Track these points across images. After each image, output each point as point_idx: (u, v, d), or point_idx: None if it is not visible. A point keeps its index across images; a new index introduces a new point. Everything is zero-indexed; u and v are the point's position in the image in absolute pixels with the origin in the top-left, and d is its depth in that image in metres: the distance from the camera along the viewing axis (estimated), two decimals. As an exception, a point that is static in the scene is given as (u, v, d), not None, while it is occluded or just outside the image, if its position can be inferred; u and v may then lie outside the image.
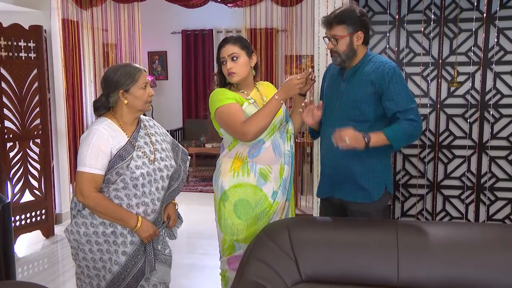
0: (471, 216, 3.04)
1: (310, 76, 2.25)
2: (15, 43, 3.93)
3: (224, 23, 7.49)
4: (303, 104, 2.22)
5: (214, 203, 2.28)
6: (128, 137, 2.01)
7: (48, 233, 4.22)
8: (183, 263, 3.61)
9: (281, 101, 2.12)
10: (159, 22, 7.58)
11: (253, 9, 5.34)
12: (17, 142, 3.99)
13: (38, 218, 4.15)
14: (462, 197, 3.04)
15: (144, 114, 2.20)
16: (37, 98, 4.10)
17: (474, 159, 2.99)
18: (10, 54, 3.91)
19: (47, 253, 3.90)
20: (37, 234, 4.16)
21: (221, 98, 2.17)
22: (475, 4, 2.87)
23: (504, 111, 2.92)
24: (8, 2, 4.07)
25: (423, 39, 2.97)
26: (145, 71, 2.06)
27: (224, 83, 2.27)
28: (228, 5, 5.43)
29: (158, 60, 8.07)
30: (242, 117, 2.12)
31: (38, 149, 4.16)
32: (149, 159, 2.01)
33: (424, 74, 2.99)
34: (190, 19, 7.56)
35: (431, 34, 2.96)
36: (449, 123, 3.01)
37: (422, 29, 2.96)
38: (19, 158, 4.00)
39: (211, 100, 2.21)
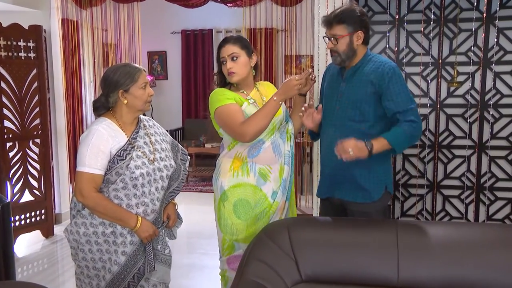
0: (470, 216, 3.04)
1: (310, 76, 2.24)
2: (14, 43, 3.92)
3: (223, 23, 7.49)
4: (302, 108, 2.22)
5: (214, 203, 2.28)
6: (127, 137, 2.01)
7: (48, 233, 4.21)
8: (183, 263, 3.61)
9: (280, 102, 2.12)
10: (159, 22, 7.58)
11: (252, 9, 5.34)
12: (16, 142, 3.99)
13: (38, 218, 4.15)
14: (462, 197, 3.04)
15: (144, 114, 2.20)
16: (36, 98, 4.10)
17: (474, 159, 3.00)
18: (10, 54, 3.90)
19: (47, 253, 3.90)
20: (36, 234, 4.16)
21: (220, 98, 2.17)
22: (475, 4, 2.87)
23: (504, 111, 2.92)
24: (8, 1, 4.07)
25: (423, 39, 2.97)
26: (144, 71, 2.06)
27: (224, 83, 2.27)
28: (228, 5, 5.43)
29: (157, 60, 8.06)
30: (241, 118, 2.12)
31: (37, 149, 4.15)
32: (148, 159, 2.01)
33: (424, 74, 2.99)
34: (189, 19, 7.56)
35: (431, 34, 2.96)
36: (449, 123, 3.01)
37: (422, 29, 2.96)
38: (18, 158, 4.00)
39: (210, 100, 2.21)
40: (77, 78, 5.27)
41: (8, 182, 3.92)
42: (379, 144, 2.04)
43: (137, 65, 2.04)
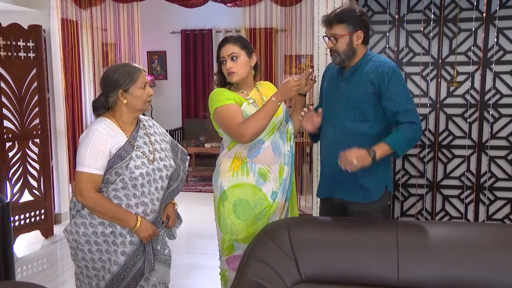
0: (470, 215, 3.04)
1: (310, 76, 2.24)
2: (14, 43, 3.92)
3: (223, 22, 7.49)
4: (302, 112, 2.22)
5: (214, 203, 2.28)
6: (127, 137, 2.01)
7: (47, 233, 4.21)
8: (183, 263, 3.61)
9: (278, 103, 2.12)
10: (159, 21, 7.58)
11: (252, 8, 5.35)
12: (16, 142, 3.98)
13: (37, 218, 4.14)
14: (462, 196, 3.04)
15: (144, 114, 2.20)
16: (36, 98, 4.09)
17: (473, 159, 3.00)
18: (9, 53, 3.90)
19: (46, 253, 3.90)
20: (36, 234, 4.16)
21: (220, 98, 2.17)
22: (475, 3, 2.87)
23: (504, 110, 2.92)
24: (7, 1, 4.07)
25: (423, 39, 2.97)
26: (144, 70, 2.06)
27: (224, 82, 2.27)
28: (228, 4, 5.43)
29: (157, 59, 8.06)
30: (240, 119, 2.12)
31: (37, 149, 4.15)
32: (148, 159, 2.01)
33: (424, 73, 2.99)
34: (189, 18, 7.55)
35: (431, 34, 2.96)
36: (448, 123, 3.00)
37: (422, 28, 2.96)
38: (18, 158, 4.00)
39: (210, 100, 2.21)
40: (77, 78, 5.27)
41: (7, 182, 3.92)
42: (381, 150, 2.04)
43: (136, 65, 2.04)
